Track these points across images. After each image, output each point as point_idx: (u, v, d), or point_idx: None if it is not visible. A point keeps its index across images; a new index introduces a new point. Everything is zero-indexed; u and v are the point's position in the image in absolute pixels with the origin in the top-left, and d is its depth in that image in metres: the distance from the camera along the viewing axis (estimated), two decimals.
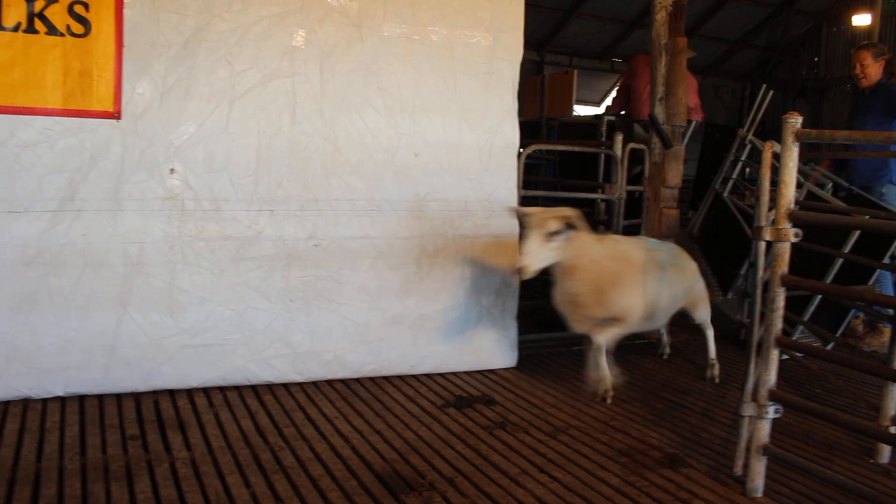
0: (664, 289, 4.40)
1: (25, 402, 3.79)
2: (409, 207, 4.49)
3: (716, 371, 4.81)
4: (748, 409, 3.18)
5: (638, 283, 4.21)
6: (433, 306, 4.56)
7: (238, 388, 4.16)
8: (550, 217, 3.91)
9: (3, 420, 3.59)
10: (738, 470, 3.28)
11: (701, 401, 4.37)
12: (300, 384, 4.28)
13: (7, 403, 3.76)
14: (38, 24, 3.74)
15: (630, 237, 4.68)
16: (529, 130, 7.83)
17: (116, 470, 3.14)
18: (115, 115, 3.92)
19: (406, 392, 4.28)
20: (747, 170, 6.27)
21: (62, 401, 3.84)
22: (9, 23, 3.69)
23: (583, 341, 4.56)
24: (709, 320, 4.87)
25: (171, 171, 4.04)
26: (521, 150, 4.91)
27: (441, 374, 4.56)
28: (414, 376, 4.51)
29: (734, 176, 6.07)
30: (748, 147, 6.00)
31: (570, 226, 3.92)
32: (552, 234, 3.88)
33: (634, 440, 3.73)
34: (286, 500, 2.97)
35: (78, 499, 2.90)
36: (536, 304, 5.51)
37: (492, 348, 4.75)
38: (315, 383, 4.32)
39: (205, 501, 2.92)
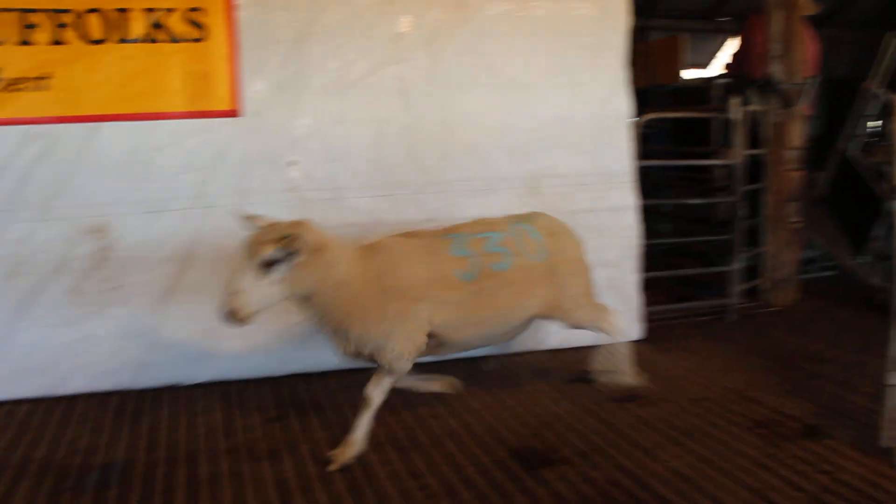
0: (468, 309, 3.40)
1: (174, 389, 4.03)
2: (524, 184, 4.48)
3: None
4: (895, 377, 3.03)
5: (398, 313, 3.24)
6: None
7: (368, 370, 4.26)
8: (268, 240, 2.95)
9: (157, 406, 3.83)
10: (886, 442, 3.13)
11: (838, 369, 4.18)
12: (429, 364, 4.34)
13: (159, 390, 4.01)
14: (160, 34, 3.95)
15: (434, 239, 3.52)
16: (639, 99, 7.61)
17: (263, 450, 3.31)
18: (236, 113, 4.09)
19: (534, 367, 4.29)
20: (877, 124, 5.91)
21: (206, 386, 4.06)
22: (134, 35, 3.92)
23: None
24: (600, 325, 3.81)
25: (292, 163, 4.19)
26: (636, 119, 4.80)
27: (567, 349, 4.54)
28: (540, 351, 4.51)
29: (862, 132, 5.74)
30: (880, 100, 5.64)
31: (291, 252, 2.96)
32: (269, 265, 2.96)
33: (770, 410, 3.62)
34: (425, 475, 3.05)
35: (229, 477, 3.07)
36: (662, 275, 5.37)
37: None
38: (442, 362, 4.37)
39: (351, 478, 3.05)
